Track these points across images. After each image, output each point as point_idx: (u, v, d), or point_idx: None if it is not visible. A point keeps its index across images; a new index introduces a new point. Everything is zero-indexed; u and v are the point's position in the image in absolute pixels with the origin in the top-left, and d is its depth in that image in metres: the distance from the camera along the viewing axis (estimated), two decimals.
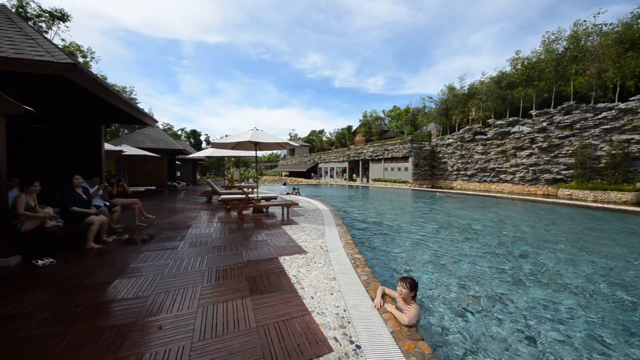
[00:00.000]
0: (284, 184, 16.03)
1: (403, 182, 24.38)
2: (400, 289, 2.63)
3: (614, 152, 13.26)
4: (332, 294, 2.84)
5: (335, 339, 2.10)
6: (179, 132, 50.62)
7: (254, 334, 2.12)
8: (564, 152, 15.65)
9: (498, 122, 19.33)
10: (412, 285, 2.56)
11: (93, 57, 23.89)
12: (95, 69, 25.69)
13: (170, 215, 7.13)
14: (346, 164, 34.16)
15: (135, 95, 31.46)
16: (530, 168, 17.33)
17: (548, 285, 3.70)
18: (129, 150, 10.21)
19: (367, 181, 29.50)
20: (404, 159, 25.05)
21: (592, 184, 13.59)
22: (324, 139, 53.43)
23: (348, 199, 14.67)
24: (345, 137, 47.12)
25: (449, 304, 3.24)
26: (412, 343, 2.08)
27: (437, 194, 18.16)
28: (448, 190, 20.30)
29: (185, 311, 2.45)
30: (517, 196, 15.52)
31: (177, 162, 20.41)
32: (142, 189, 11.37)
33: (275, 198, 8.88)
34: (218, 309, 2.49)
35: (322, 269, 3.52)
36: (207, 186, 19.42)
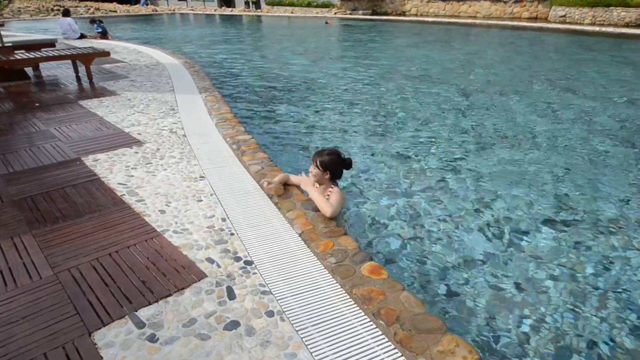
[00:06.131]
0: (66, 14, 14.01)
1: (324, 5, 24.87)
2: (310, 169, 2.99)
3: None
4: (200, 201, 3.07)
5: (211, 260, 2.36)
6: None
7: (52, 285, 2.14)
8: None
9: None
10: (326, 162, 2.90)
11: None
12: None
13: None
14: None
15: None
16: None
17: (512, 146, 4.98)
18: None
19: (258, 8, 28.98)
20: None
21: None
22: None
23: (222, 43, 14.56)
24: None
25: (385, 183, 4.00)
26: (329, 241, 2.56)
27: (327, 22, 20.55)
28: (396, 18, 21.65)
29: None
30: (495, 21, 18.38)
31: None
32: None
33: (52, 45, 8.50)
34: None
35: (178, 166, 3.69)
36: None
